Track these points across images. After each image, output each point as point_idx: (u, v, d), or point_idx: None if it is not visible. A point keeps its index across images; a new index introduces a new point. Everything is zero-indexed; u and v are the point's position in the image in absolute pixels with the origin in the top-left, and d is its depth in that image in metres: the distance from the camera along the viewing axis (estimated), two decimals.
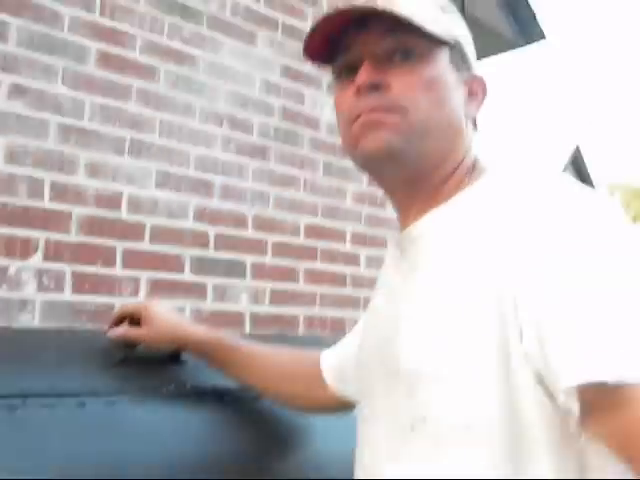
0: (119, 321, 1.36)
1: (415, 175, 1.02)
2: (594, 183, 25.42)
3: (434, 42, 0.98)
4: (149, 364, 1.29)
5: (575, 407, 0.77)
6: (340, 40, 1.01)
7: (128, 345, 1.30)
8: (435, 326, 0.88)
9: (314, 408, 1.34)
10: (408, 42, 0.98)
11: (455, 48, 1.02)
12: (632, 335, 0.74)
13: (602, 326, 0.75)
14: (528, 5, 3.29)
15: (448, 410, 0.85)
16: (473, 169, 1.04)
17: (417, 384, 0.89)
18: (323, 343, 1.34)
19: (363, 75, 0.97)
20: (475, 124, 1.10)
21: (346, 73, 1.01)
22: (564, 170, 23.55)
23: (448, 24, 1.01)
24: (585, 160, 24.98)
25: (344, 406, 1.28)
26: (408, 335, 0.92)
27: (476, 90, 1.05)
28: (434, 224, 0.98)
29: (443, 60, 1.01)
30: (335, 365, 1.28)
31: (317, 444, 1.40)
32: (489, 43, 3.15)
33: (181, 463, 1.19)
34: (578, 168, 24.71)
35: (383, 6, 0.96)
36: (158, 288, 2.17)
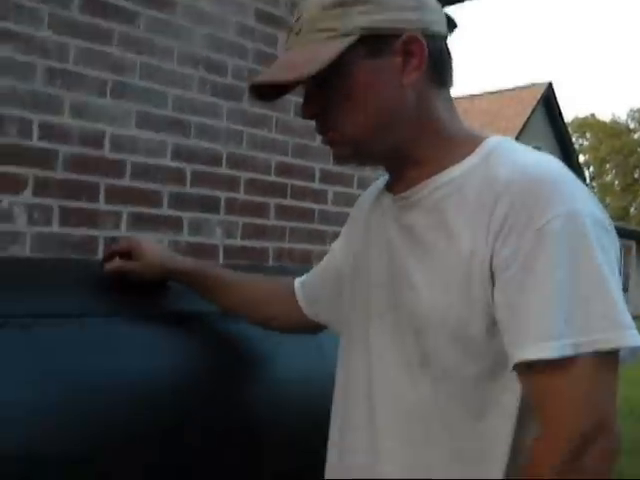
0: (112, 255, 1.53)
1: (390, 157, 1.14)
2: (564, 120, 25.52)
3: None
4: (138, 290, 1.47)
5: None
6: None
7: (121, 275, 1.48)
8: (442, 286, 1.03)
9: (288, 328, 1.49)
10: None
11: (363, 38, 1.04)
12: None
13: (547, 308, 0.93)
14: None
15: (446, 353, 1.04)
16: (463, 140, 1.11)
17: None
18: (291, 272, 1.51)
19: (305, 111, 1.13)
20: (436, 78, 1.10)
21: None
22: (536, 107, 23.63)
23: (349, 19, 1.03)
24: (556, 97, 25.03)
25: (315, 327, 1.46)
26: (422, 290, 1.05)
27: (412, 51, 1.06)
28: (432, 192, 1.08)
29: (354, 61, 1.05)
30: (307, 291, 1.42)
31: (279, 368, 1.60)
32: None
33: (169, 375, 1.39)
34: (550, 105, 24.78)
35: (261, 78, 1.13)
36: (138, 222, 2.34)
